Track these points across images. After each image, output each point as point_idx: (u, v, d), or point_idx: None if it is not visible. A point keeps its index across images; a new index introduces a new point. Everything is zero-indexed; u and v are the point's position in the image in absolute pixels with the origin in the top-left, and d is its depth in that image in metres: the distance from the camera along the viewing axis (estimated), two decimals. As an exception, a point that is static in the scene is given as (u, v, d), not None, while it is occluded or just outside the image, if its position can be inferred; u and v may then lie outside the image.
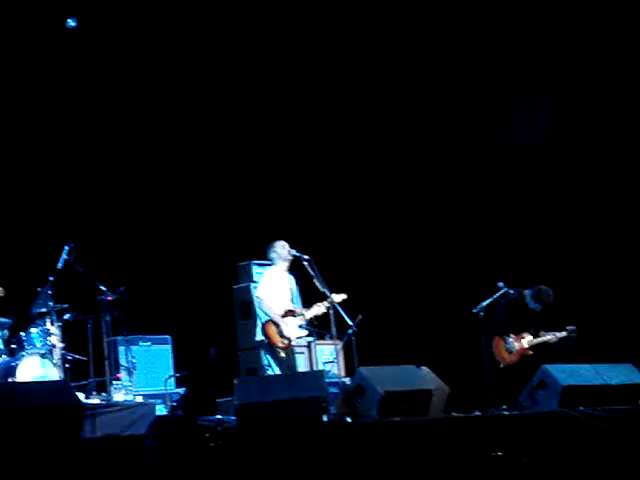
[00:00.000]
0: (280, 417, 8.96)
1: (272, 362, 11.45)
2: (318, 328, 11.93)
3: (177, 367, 12.80)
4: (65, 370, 11.39)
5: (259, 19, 14.23)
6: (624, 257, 13.75)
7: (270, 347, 11.48)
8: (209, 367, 12.44)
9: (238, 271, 13.33)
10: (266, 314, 11.55)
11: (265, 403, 9.13)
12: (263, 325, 11.53)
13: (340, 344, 11.92)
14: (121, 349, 12.41)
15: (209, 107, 14.47)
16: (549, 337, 11.80)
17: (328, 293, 11.39)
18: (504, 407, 10.58)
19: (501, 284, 11.97)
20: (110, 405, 10.82)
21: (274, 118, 14.71)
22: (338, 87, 14.71)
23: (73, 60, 13.44)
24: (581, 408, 9.63)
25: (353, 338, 11.40)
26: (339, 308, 11.35)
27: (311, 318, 11.65)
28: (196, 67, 14.29)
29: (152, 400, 11.51)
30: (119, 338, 12.39)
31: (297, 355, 11.86)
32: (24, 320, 11.52)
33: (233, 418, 9.37)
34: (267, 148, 14.71)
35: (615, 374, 10.46)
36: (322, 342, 12.53)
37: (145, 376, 12.57)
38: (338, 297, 11.38)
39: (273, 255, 11.86)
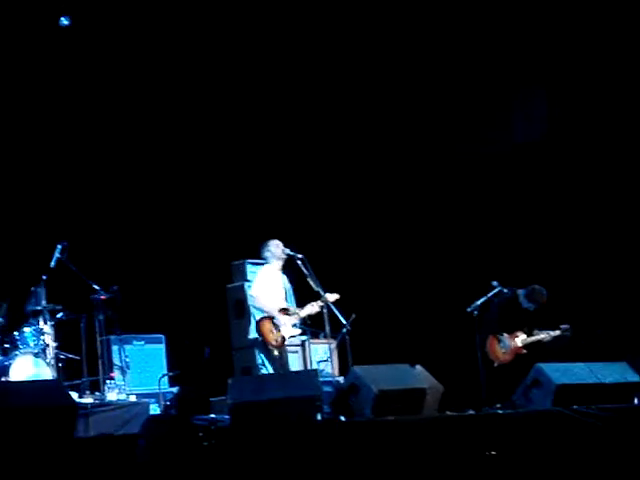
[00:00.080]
0: (274, 416, 8.95)
1: (265, 360, 11.46)
2: (312, 327, 11.95)
3: (171, 366, 12.77)
4: (58, 369, 11.35)
5: (258, 19, 14.20)
6: (618, 256, 13.77)
7: (263, 345, 11.48)
8: (203, 366, 12.40)
9: (232, 270, 13.33)
10: (261, 310, 11.54)
11: (259, 402, 9.12)
12: (257, 322, 11.52)
13: (334, 343, 11.93)
14: (114, 348, 12.36)
15: (203, 106, 14.44)
16: (543, 336, 11.79)
17: (322, 292, 11.39)
18: (498, 406, 10.58)
19: (495, 283, 11.97)
20: (103, 404, 10.78)
21: (268, 117, 14.69)
22: (335, 85, 14.69)
23: (66, 58, 13.40)
24: (575, 407, 9.63)
25: (347, 337, 11.41)
26: (333, 307, 11.36)
27: (305, 317, 11.66)
28: (192, 66, 14.26)
29: (146, 399, 11.48)
30: (112, 337, 12.34)
31: (291, 354, 11.85)
32: (17, 319, 11.49)
33: (227, 417, 9.35)
34: (261, 147, 14.69)
35: (609, 373, 10.46)
36: (316, 341, 12.51)
37: (139, 375, 12.53)
38: (331, 296, 11.40)
39: (267, 254, 11.86)
